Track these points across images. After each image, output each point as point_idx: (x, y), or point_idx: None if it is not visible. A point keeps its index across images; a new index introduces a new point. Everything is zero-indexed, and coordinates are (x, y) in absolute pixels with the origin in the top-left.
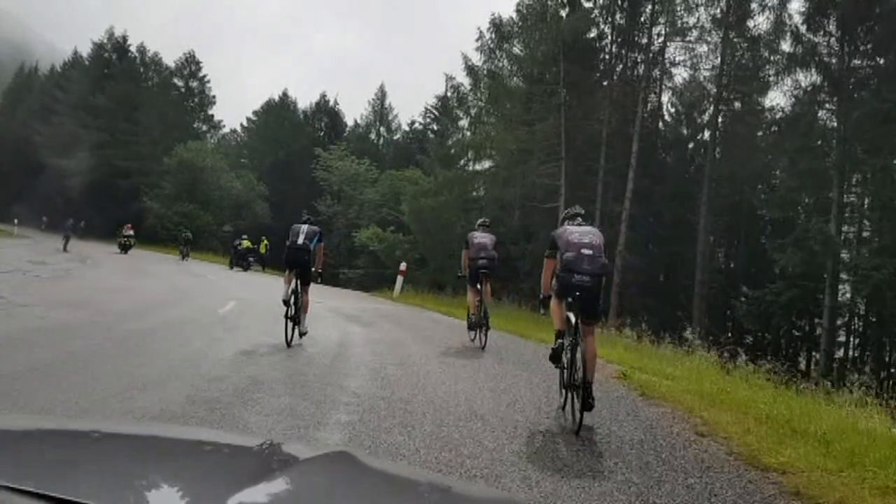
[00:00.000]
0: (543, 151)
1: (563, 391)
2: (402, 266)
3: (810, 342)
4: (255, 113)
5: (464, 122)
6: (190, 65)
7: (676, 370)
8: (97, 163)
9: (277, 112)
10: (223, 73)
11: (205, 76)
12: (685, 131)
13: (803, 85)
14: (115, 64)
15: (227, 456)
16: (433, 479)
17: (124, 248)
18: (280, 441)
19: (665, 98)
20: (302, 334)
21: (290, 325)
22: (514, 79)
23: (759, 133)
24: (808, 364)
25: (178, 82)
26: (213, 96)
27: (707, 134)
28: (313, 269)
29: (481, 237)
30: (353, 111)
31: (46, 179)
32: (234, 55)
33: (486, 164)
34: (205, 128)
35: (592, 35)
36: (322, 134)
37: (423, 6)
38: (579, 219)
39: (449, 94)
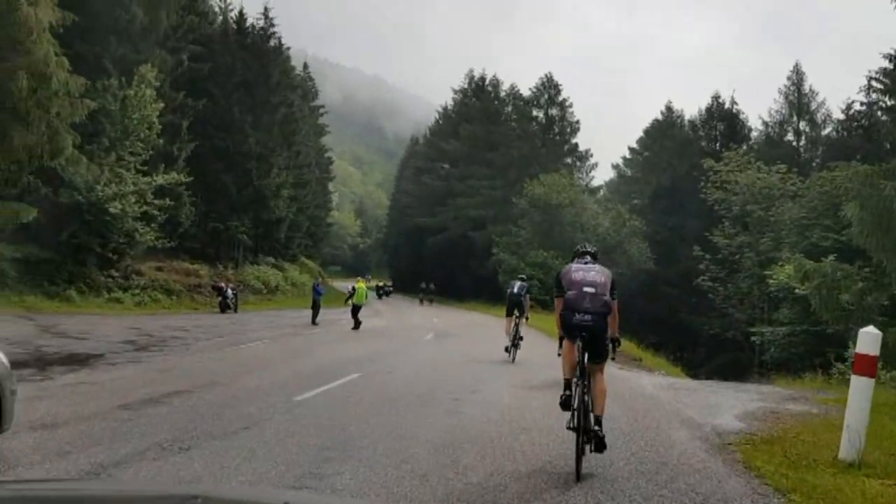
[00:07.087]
0: None
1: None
2: (867, 339)
3: None
4: (637, 141)
5: None
6: (547, 90)
7: None
8: (452, 216)
9: (661, 131)
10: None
11: (565, 100)
12: None
13: None
14: (473, 106)
15: None
16: None
17: (381, 296)
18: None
19: None
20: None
21: (512, 349)
22: None
23: None
24: None
25: (537, 113)
26: (577, 122)
27: None
28: (525, 309)
29: (517, 285)
30: (757, 110)
31: (413, 241)
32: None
33: None
34: (569, 160)
35: None
36: (717, 145)
37: None
38: (588, 257)
39: None
